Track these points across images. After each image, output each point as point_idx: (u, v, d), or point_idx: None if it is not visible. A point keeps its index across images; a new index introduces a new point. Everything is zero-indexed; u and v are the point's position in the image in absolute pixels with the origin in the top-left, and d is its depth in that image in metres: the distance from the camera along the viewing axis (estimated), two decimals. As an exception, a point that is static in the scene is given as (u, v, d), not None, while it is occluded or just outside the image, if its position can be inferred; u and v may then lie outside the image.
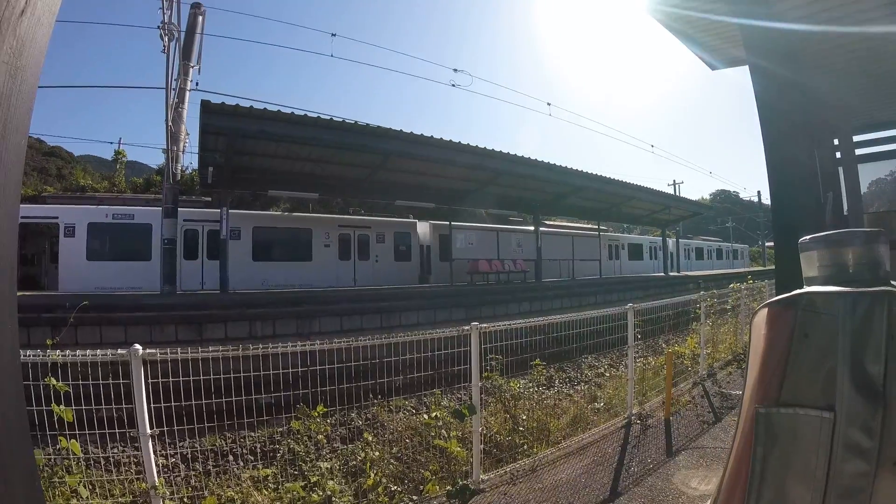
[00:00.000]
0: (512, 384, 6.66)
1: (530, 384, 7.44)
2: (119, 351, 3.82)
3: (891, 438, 1.25)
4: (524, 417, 6.51)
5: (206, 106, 13.15)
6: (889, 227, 4.36)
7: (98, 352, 3.84)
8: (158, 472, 4.05)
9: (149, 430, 3.84)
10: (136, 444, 4.06)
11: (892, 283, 1.37)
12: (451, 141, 17.44)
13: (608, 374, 10.47)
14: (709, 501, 1.62)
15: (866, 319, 1.29)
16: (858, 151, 5.67)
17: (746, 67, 5.51)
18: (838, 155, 5.49)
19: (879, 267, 1.40)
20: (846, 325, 1.30)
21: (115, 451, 4.64)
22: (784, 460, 1.36)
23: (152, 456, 3.90)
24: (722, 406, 7.65)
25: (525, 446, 5.97)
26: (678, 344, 10.83)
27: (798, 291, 1.42)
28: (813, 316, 1.35)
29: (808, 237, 1.54)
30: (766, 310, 1.46)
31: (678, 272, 39.23)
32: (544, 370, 7.56)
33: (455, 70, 40.40)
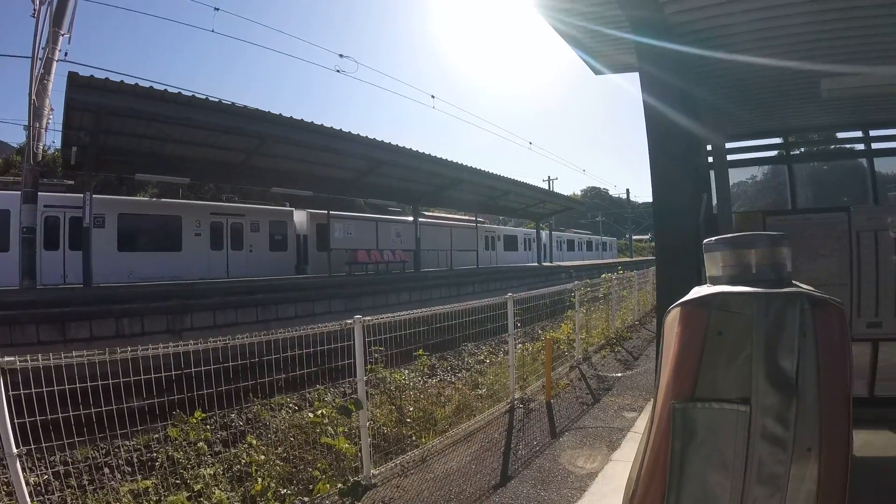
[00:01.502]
0: (396, 375, 6.63)
1: (414, 374, 7.47)
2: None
3: (804, 427, 1.35)
4: (410, 408, 6.51)
5: (73, 78, 11.79)
6: (752, 224, 4.81)
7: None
8: (31, 493, 3.60)
9: (15, 450, 3.38)
10: (3, 463, 3.57)
11: (796, 282, 1.48)
12: (331, 128, 16.98)
13: (488, 361, 10.76)
14: (623, 497, 1.66)
15: (779, 318, 1.37)
16: (729, 157, 6.23)
17: (626, 74, 5.91)
18: (710, 160, 5.99)
19: (783, 268, 1.50)
20: (760, 323, 1.38)
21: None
22: (702, 452, 1.42)
23: (22, 477, 3.45)
24: (599, 388, 8.11)
25: (413, 437, 5.97)
26: (555, 330, 11.34)
27: (710, 291, 1.49)
28: (726, 315, 1.42)
29: (713, 238, 1.62)
30: (678, 309, 1.52)
31: (551, 262, 41.22)
32: (427, 360, 7.61)
33: (341, 55, 39.40)
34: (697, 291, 1.53)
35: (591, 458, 5.37)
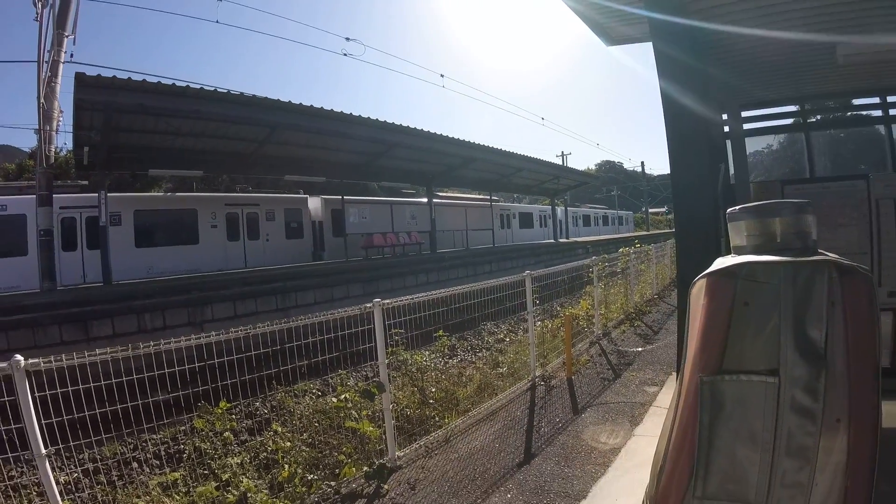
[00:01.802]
0: (417, 357, 6.66)
1: (435, 355, 7.49)
2: (-1, 364, 3.38)
3: (834, 398, 1.33)
4: (432, 389, 6.54)
5: (80, 79, 11.84)
6: (770, 193, 4.73)
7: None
8: (61, 492, 3.66)
9: (43, 451, 3.44)
10: (33, 464, 3.64)
11: (821, 251, 1.45)
12: (341, 112, 16.91)
13: (508, 340, 10.77)
14: (651, 471, 1.65)
15: (807, 287, 1.34)
16: (745, 126, 6.13)
17: (637, 45, 5.81)
18: (726, 129, 5.90)
19: (808, 236, 1.47)
20: (788, 293, 1.35)
21: (13, 474, 4.15)
22: (731, 425, 1.40)
23: (52, 477, 3.51)
24: (619, 363, 8.09)
25: (436, 418, 6.00)
26: (573, 306, 11.30)
27: (736, 262, 1.46)
28: (753, 285, 1.40)
29: (737, 207, 1.59)
30: (704, 280, 1.49)
31: (567, 238, 41.01)
32: (448, 341, 7.63)
33: (347, 39, 39.19)
34: (723, 262, 1.50)
35: (614, 434, 5.37)
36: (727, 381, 1.40)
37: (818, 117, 7.46)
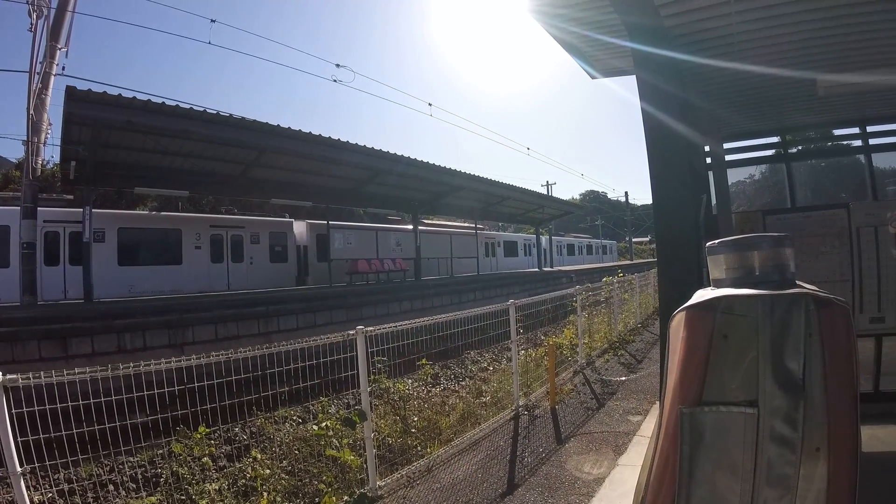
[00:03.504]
0: (399, 385, 6.61)
1: (418, 384, 7.45)
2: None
3: (812, 427, 1.35)
4: (415, 418, 6.49)
5: (71, 92, 11.82)
6: (751, 224, 4.82)
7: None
8: None
9: (19, 469, 3.36)
10: (7, 482, 3.56)
11: (799, 282, 1.48)
12: (329, 137, 17.01)
13: (492, 369, 10.73)
14: (633, 503, 1.66)
15: (784, 320, 1.37)
16: (727, 157, 6.25)
17: (622, 77, 5.94)
18: (708, 161, 6.01)
19: (786, 269, 1.50)
20: (765, 325, 1.37)
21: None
22: (711, 456, 1.42)
23: (26, 496, 3.42)
24: (603, 392, 8.09)
25: (418, 447, 5.95)
26: (557, 335, 11.30)
27: (714, 295, 1.48)
28: (731, 318, 1.42)
29: (716, 241, 1.62)
30: (683, 313, 1.51)
31: (551, 267, 41.22)
32: (431, 369, 7.58)
33: (338, 65, 39.47)
34: (701, 295, 1.52)
35: (598, 464, 5.35)
36: (707, 412, 1.41)
37: (799, 147, 7.60)
